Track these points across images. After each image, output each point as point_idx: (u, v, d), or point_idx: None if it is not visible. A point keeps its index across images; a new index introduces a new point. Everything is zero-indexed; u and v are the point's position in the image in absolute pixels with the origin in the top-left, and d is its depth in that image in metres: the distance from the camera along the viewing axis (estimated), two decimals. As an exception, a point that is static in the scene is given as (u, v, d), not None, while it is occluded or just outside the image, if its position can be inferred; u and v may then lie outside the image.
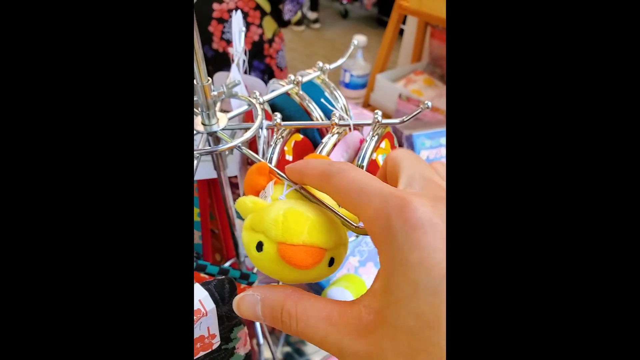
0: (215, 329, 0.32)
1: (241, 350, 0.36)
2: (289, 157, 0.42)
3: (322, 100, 0.45)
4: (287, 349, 0.76)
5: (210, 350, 0.33)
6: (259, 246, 0.24)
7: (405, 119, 0.37)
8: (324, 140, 0.42)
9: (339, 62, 0.48)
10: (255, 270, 0.63)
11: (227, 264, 0.59)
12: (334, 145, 0.42)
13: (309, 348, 0.75)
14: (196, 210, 0.56)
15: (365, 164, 0.41)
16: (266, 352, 0.68)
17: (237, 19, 0.50)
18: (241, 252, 0.55)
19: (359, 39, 1.18)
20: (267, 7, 1.27)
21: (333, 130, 0.42)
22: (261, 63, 1.32)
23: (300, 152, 0.43)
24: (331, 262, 0.25)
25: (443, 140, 0.92)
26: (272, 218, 0.24)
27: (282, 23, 1.35)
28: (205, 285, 0.31)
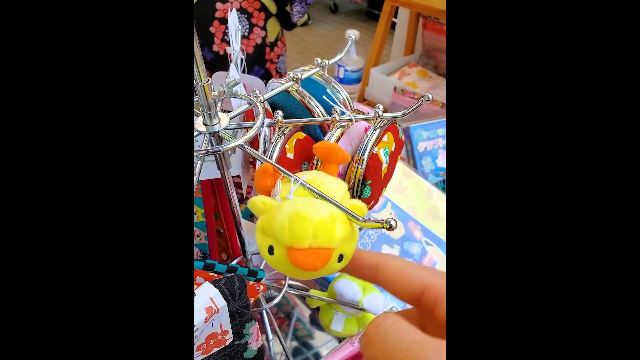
0: (227, 326, 0.32)
1: (254, 345, 0.36)
2: (290, 155, 0.42)
3: (324, 97, 0.45)
4: (295, 343, 0.77)
5: (223, 346, 0.33)
6: (271, 250, 0.26)
7: (406, 112, 0.37)
8: (326, 136, 0.43)
9: (337, 57, 0.48)
10: (262, 267, 0.64)
11: (233, 262, 0.60)
12: (338, 139, 0.43)
13: (316, 342, 0.76)
14: (201, 211, 0.57)
15: (365, 157, 0.42)
16: (275, 347, 0.69)
17: (232, 17, 0.50)
18: (248, 250, 0.56)
19: (353, 34, 1.18)
20: (273, 9, 1.22)
21: (335, 125, 0.43)
22: (261, 68, 1.28)
23: (302, 150, 0.43)
24: (340, 258, 0.26)
25: (440, 131, 0.92)
26: (279, 224, 0.25)
27: (288, 25, 1.31)
28: (215, 283, 0.31)
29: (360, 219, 0.27)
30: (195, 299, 0.29)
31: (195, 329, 0.28)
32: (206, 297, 0.30)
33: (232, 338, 0.34)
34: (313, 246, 0.25)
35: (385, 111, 0.40)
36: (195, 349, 0.30)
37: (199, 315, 0.29)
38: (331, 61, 0.48)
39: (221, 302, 0.30)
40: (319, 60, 0.46)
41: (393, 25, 1.36)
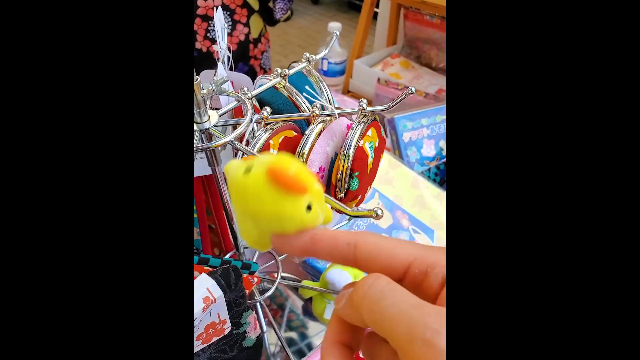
0: (225, 315, 0.34)
1: (252, 334, 0.38)
2: (274, 152, 0.43)
3: (305, 94, 0.46)
4: (289, 334, 0.78)
5: (222, 335, 0.35)
6: (247, 170, 0.23)
7: (390, 106, 0.38)
8: (307, 131, 0.43)
9: (324, 52, 0.50)
10: (255, 259, 0.65)
11: (226, 257, 0.61)
12: (319, 134, 0.44)
13: (311, 331, 0.77)
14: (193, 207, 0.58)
15: (352, 148, 0.43)
16: (270, 338, 0.70)
17: (218, 15, 0.51)
18: (240, 244, 0.57)
19: (336, 27, 1.18)
20: (255, 5, 1.21)
21: (316, 120, 0.44)
22: (245, 65, 1.27)
23: (288, 148, 0.44)
24: (309, 207, 0.24)
25: (424, 121, 0.94)
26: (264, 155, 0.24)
27: (271, 21, 1.30)
28: (211, 274, 0.33)
29: (349, 209, 0.29)
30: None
31: (194, 318, 0.29)
32: (203, 287, 0.31)
33: (230, 327, 0.35)
34: (295, 173, 0.23)
35: (369, 103, 0.41)
36: (195, 338, 0.31)
37: (197, 305, 0.30)
38: (318, 56, 0.49)
39: (218, 292, 0.31)
40: (307, 55, 0.47)
41: (375, 15, 1.36)
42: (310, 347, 0.75)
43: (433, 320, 0.17)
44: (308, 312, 0.78)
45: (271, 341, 0.71)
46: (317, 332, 0.76)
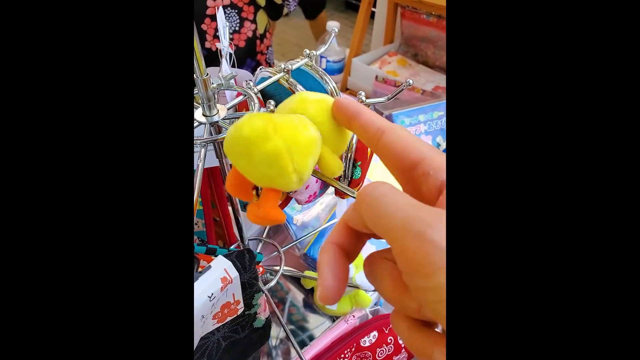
0: (239, 295, 0.35)
1: (262, 315, 0.40)
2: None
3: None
4: (290, 327, 0.79)
5: (235, 315, 0.36)
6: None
7: (390, 97, 0.40)
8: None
9: (323, 49, 0.51)
10: (258, 250, 0.67)
11: (231, 248, 0.63)
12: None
13: (310, 325, 0.79)
14: (198, 200, 0.59)
15: (354, 142, 0.45)
16: (271, 331, 0.72)
17: (220, 15, 0.53)
18: (245, 236, 0.59)
19: (335, 26, 1.20)
20: (261, 1, 1.22)
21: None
22: (253, 60, 1.28)
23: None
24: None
25: (421, 117, 0.96)
26: None
27: (275, 16, 1.32)
28: (227, 256, 0.35)
29: (355, 192, 0.31)
30: (211, 270, 0.32)
31: (213, 297, 0.31)
32: (221, 268, 0.33)
33: (243, 308, 0.37)
34: None
35: (367, 98, 0.43)
36: (211, 317, 0.33)
37: (215, 285, 0.32)
38: (318, 52, 0.51)
39: (234, 273, 0.33)
40: (308, 51, 0.49)
41: (372, 15, 1.38)
42: (311, 339, 0.77)
43: (426, 215, 0.18)
44: (309, 305, 0.79)
45: (273, 334, 0.73)
46: (317, 325, 0.77)
